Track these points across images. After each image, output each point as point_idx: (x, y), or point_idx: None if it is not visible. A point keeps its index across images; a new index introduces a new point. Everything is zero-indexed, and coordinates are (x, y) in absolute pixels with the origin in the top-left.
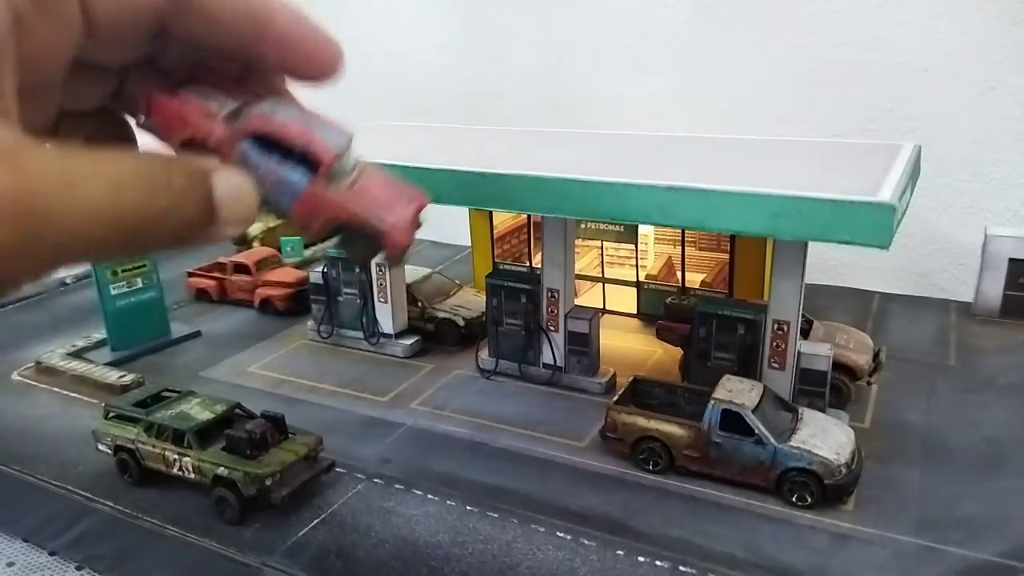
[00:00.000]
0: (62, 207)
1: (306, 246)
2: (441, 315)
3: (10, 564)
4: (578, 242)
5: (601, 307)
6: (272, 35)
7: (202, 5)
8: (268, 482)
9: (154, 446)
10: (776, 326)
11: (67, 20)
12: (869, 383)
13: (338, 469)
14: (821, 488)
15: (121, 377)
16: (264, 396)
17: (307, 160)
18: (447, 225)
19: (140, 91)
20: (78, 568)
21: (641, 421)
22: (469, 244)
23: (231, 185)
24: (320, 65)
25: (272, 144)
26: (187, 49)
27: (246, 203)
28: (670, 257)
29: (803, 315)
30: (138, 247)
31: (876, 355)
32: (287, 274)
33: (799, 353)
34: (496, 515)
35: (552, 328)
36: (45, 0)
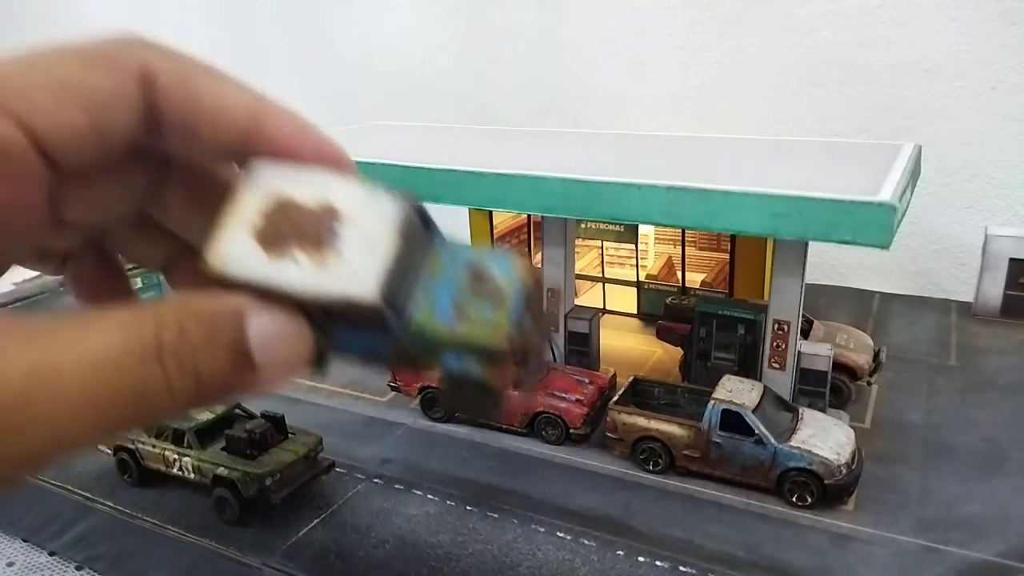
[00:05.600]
0: (27, 423)
1: None
2: None
3: (10, 564)
4: (578, 242)
5: (601, 307)
6: (267, 150)
7: (181, 121)
8: (268, 482)
9: (154, 446)
10: (776, 326)
11: (27, 176)
12: (869, 383)
13: (338, 469)
14: (821, 488)
15: None
16: (264, 396)
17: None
18: (447, 225)
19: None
20: (78, 568)
21: (641, 421)
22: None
23: (269, 326)
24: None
25: None
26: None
27: (291, 343)
28: (670, 257)
29: (803, 315)
30: (141, 422)
31: (876, 355)
32: None
33: (799, 353)
34: (496, 515)
35: (552, 328)
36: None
